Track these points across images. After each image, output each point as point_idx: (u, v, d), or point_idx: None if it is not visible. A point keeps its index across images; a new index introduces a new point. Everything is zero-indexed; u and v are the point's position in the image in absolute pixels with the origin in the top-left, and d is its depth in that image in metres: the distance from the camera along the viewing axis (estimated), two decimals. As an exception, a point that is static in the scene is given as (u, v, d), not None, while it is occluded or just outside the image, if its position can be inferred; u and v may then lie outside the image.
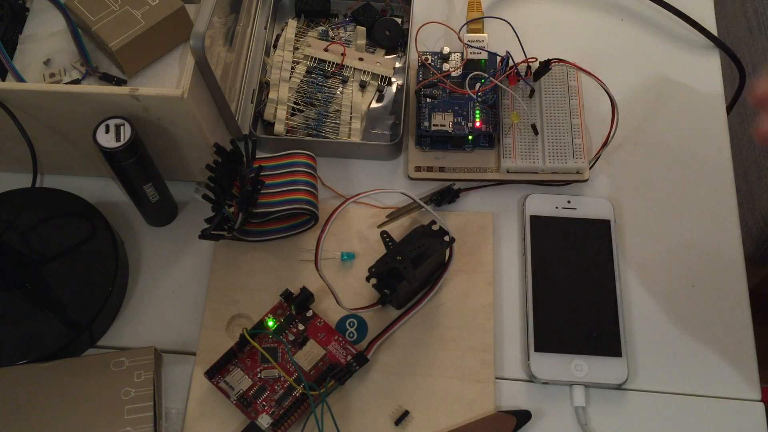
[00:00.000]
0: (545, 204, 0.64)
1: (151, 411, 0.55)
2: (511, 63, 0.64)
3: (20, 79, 0.61)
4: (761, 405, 0.58)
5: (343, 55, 0.70)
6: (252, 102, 0.69)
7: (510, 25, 0.66)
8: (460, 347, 0.59)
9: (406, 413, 0.57)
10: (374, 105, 0.70)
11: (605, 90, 0.61)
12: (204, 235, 0.59)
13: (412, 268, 0.55)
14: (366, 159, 0.68)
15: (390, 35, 0.72)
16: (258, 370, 0.57)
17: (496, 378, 0.59)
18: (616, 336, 0.59)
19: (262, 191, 0.59)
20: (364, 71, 0.70)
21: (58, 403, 0.55)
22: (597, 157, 0.65)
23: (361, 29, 0.72)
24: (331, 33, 0.72)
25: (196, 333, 0.61)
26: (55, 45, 0.63)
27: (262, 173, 0.59)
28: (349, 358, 0.58)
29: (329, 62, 0.70)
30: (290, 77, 0.69)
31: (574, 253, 0.62)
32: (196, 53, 0.55)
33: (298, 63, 0.70)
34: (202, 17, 0.55)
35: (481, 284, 0.62)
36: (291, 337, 0.59)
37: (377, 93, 0.70)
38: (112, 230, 0.62)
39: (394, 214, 0.65)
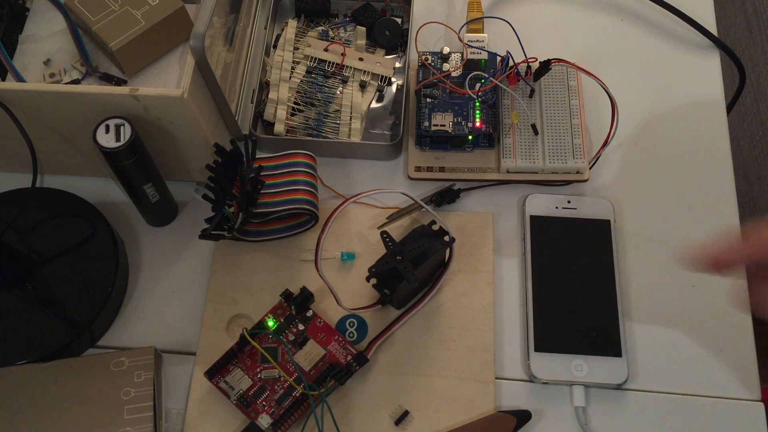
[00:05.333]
0: (545, 204, 0.64)
1: (151, 411, 0.55)
2: (511, 63, 0.64)
3: (20, 79, 0.61)
4: (761, 405, 0.58)
5: (343, 55, 0.70)
6: (252, 102, 0.69)
7: (510, 25, 0.66)
8: (460, 347, 0.59)
9: (406, 413, 0.57)
10: (374, 105, 0.70)
11: (605, 90, 0.61)
12: (204, 235, 0.59)
13: (412, 268, 0.55)
14: (366, 159, 0.68)
15: (390, 35, 0.72)
16: (258, 370, 0.57)
17: (496, 378, 0.59)
18: (616, 336, 0.59)
19: (262, 191, 0.59)
20: (364, 71, 0.70)
21: (58, 403, 0.55)
22: (597, 157, 0.65)
23: (361, 29, 0.72)
24: (331, 33, 0.72)
25: (196, 333, 0.61)
26: (55, 45, 0.63)
27: (262, 173, 0.59)
28: (349, 358, 0.58)
29: (329, 62, 0.70)
30: (290, 77, 0.69)
31: (574, 253, 0.62)
32: (196, 53, 0.55)
33: (298, 63, 0.70)
34: (202, 17, 0.55)
35: (481, 284, 0.62)
36: (291, 337, 0.59)
37: (377, 93, 0.70)
38: (112, 230, 0.62)
39: (395, 215, 0.65)
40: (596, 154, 0.65)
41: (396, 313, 0.61)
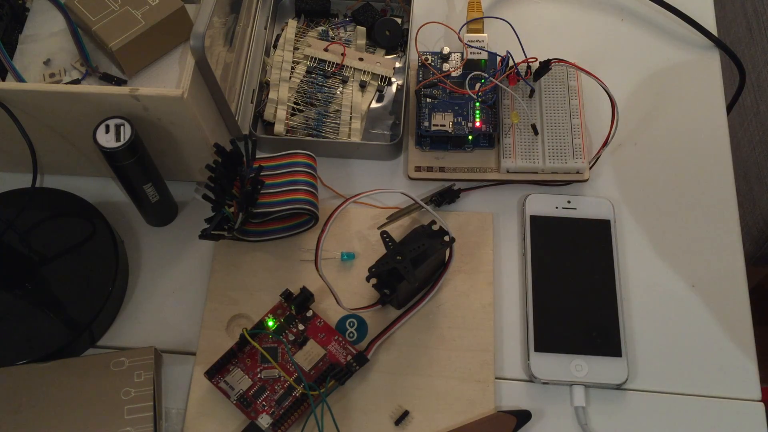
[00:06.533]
0: (545, 204, 0.64)
1: (151, 411, 0.55)
2: (511, 63, 0.64)
3: (20, 79, 0.61)
4: (761, 405, 0.58)
5: (343, 55, 0.70)
6: (252, 102, 0.69)
7: (510, 25, 0.66)
8: (460, 347, 0.59)
9: (406, 413, 0.57)
10: (374, 105, 0.70)
11: (605, 90, 0.61)
12: (204, 235, 0.59)
13: (412, 268, 0.55)
14: (366, 159, 0.68)
15: (390, 35, 0.72)
16: (258, 370, 0.57)
17: (496, 378, 0.59)
18: (616, 336, 0.59)
19: (262, 191, 0.59)
20: (364, 71, 0.70)
21: (58, 403, 0.55)
22: (597, 157, 0.65)
23: (361, 29, 0.72)
24: (331, 33, 0.72)
25: (196, 333, 0.61)
26: (55, 45, 0.63)
27: (262, 173, 0.59)
28: (349, 358, 0.58)
29: (329, 62, 0.70)
30: (290, 77, 0.69)
31: (574, 253, 0.62)
32: (196, 53, 0.55)
33: (298, 63, 0.70)
34: (202, 17, 0.55)
35: (481, 284, 0.62)
36: (291, 337, 0.59)
37: (377, 93, 0.70)
38: (112, 230, 0.62)
39: (395, 216, 0.65)
40: (596, 154, 0.65)
41: (396, 313, 0.61)
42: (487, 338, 0.60)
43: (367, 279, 0.56)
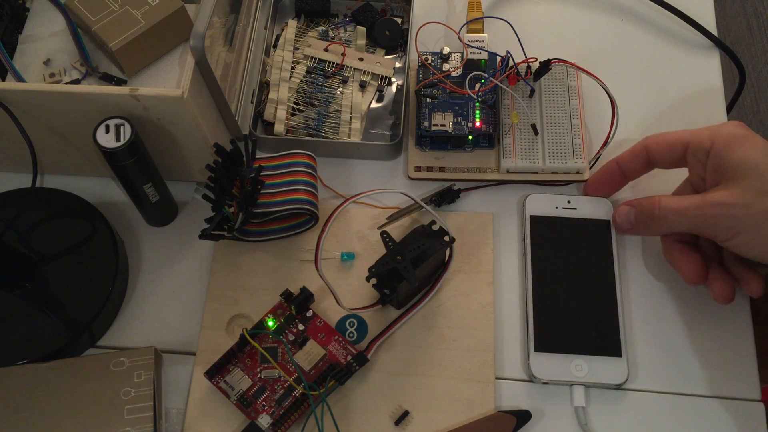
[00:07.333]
0: (545, 204, 0.64)
1: (151, 411, 0.55)
2: (511, 63, 0.64)
3: (20, 79, 0.61)
4: (761, 405, 0.58)
5: (343, 55, 0.70)
6: (252, 102, 0.69)
7: (510, 25, 0.66)
8: (460, 347, 0.59)
9: (406, 413, 0.57)
10: (374, 105, 0.70)
11: (605, 90, 0.61)
12: (204, 235, 0.59)
13: (412, 268, 0.55)
14: (366, 159, 0.68)
15: (390, 35, 0.72)
16: (258, 370, 0.57)
17: (496, 378, 0.59)
18: (616, 336, 0.59)
19: (262, 191, 0.59)
20: (364, 71, 0.70)
21: (58, 403, 0.55)
22: (597, 157, 0.65)
23: (361, 29, 0.72)
24: (331, 33, 0.72)
25: (196, 333, 0.61)
26: (55, 45, 0.63)
27: (262, 173, 0.59)
28: (349, 358, 0.58)
29: (329, 62, 0.70)
30: (290, 77, 0.69)
31: (574, 253, 0.62)
32: (196, 53, 0.55)
33: (298, 63, 0.70)
34: (202, 17, 0.55)
35: (481, 284, 0.62)
36: (291, 337, 0.59)
37: (377, 93, 0.70)
38: (112, 230, 0.62)
39: (395, 215, 0.65)
40: (596, 154, 0.65)
41: (396, 313, 0.61)
42: (487, 338, 0.60)
43: (367, 279, 0.56)
